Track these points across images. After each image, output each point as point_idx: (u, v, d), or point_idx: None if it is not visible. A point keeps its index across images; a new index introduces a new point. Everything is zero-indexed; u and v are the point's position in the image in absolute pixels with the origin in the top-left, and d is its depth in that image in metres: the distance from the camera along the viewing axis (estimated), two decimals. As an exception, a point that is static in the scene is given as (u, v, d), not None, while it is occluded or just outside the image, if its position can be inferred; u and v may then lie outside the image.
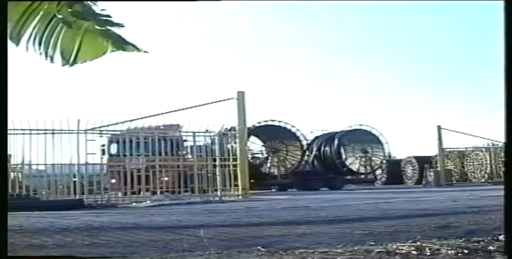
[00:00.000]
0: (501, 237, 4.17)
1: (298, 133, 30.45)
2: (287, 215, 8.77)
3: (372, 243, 4.41)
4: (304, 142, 30.95)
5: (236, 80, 56.38)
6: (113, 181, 18.40)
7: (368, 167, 32.30)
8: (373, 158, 32.20)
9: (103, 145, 18.80)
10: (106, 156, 19.21)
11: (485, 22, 56.94)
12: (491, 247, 3.87)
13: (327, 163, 31.78)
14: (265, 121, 29.29)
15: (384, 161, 33.44)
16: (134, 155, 17.72)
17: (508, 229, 2.79)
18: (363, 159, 32.15)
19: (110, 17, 4.92)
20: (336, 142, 31.43)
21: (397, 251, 3.95)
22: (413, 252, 3.87)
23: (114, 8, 4.99)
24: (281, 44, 61.82)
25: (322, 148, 32.16)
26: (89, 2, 4.99)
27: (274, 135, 30.37)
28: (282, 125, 30.01)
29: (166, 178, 18.92)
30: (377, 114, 61.40)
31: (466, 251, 3.77)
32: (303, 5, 49.16)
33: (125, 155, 17.85)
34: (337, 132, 31.77)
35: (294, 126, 30.28)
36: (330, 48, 62.29)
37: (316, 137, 32.76)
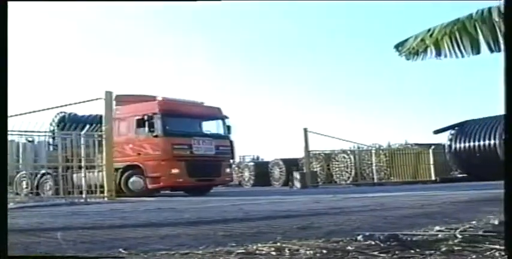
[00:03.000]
0: (359, 237, 4.40)
1: None
2: (151, 217, 8.73)
3: (233, 244, 4.51)
4: None
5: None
6: None
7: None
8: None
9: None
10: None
11: (353, 31, 59.61)
12: (349, 247, 4.06)
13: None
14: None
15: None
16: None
17: (508, 229, 2.95)
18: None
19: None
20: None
21: (257, 252, 4.06)
22: (273, 253, 4.00)
23: None
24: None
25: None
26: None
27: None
28: None
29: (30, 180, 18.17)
30: (246, 116, 62.27)
31: (324, 251, 3.94)
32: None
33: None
34: None
35: None
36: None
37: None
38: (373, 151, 31.36)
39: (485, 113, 32.92)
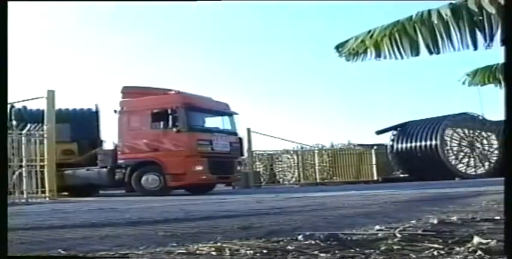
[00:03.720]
0: (300, 237, 4.42)
1: None
2: (92, 217, 8.61)
3: (174, 244, 4.48)
4: None
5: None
6: None
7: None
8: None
9: None
10: None
11: (297, 32, 60.03)
12: (289, 247, 4.07)
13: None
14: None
15: None
16: None
17: (508, 229, 2.95)
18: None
19: None
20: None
21: (198, 252, 4.04)
22: (214, 253, 3.98)
23: None
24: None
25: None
26: None
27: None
28: None
29: None
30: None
31: (264, 251, 3.94)
32: None
33: None
34: None
35: None
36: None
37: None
38: (316, 151, 31.65)
39: (426, 114, 33.67)
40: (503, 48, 6.28)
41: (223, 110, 20.79)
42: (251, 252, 3.94)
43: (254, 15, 61.14)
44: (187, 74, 57.91)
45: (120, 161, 19.42)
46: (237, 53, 63.83)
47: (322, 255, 3.72)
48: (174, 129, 18.47)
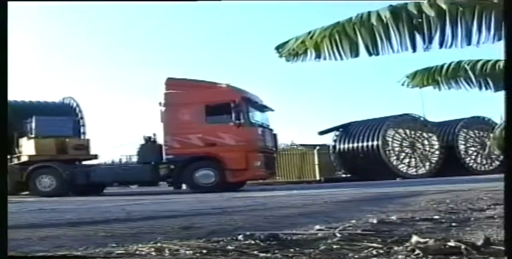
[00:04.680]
0: (240, 237, 4.44)
1: None
2: (32, 218, 8.46)
3: (114, 245, 4.45)
4: None
5: None
6: None
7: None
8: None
9: None
10: None
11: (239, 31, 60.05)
12: (229, 247, 4.09)
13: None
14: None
15: None
16: None
17: (508, 229, 2.96)
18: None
19: None
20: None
21: (138, 252, 4.02)
22: (153, 253, 3.97)
23: None
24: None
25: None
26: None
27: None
28: None
29: None
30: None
31: (204, 251, 3.95)
32: None
33: None
34: None
35: None
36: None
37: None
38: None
39: (369, 114, 34.19)
40: (443, 50, 6.45)
41: (265, 105, 20.59)
42: (191, 252, 3.94)
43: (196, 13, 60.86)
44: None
45: (168, 156, 18.90)
46: (169, 51, 63.35)
47: (261, 254, 3.75)
48: (234, 124, 18.16)
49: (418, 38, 6.46)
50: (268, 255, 3.74)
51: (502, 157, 26.84)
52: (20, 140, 20.87)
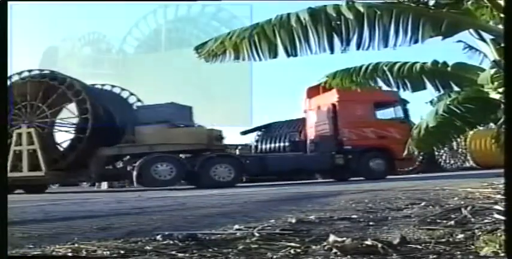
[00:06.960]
0: (158, 237, 4.46)
1: None
2: None
3: (30, 246, 4.39)
4: None
5: None
6: None
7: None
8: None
9: None
10: None
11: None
12: (147, 247, 4.10)
13: None
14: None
15: None
16: None
17: (508, 229, 2.97)
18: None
19: None
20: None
21: (54, 253, 3.99)
22: (70, 254, 3.94)
23: None
24: None
25: None
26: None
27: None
28: None
29: None
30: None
31: (122, 251, 3.95)
32: None
33: None
34: None
35: None
36: None
37: None
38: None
39: (291, 115, 34.53)
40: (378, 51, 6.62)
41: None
42: (108, 252, 3.93)
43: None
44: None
45: (345, 147, 21.39)
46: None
47: (180, 255, 3.78)
48: (399, 120, 21.76)
49: (337, 39, 6.58)
50: (187, 255, 3.77)
51: (420, 157, 27.91)
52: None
